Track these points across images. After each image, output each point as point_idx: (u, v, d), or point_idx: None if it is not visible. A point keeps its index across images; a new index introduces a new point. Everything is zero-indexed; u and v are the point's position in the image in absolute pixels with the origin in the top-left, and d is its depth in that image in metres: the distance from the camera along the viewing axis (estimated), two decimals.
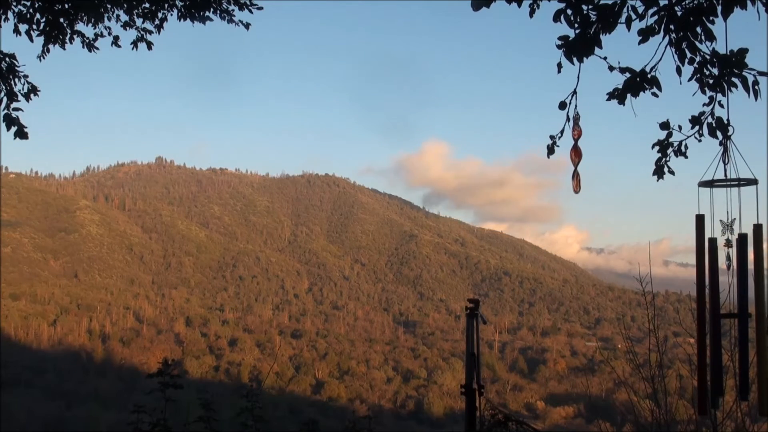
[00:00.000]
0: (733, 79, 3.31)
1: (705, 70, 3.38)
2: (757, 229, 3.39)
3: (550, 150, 3.49)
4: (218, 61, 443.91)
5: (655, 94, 3.40)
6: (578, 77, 3.36)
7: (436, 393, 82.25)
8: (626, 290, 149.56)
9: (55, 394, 66.14)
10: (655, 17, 3.30)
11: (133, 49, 6.57)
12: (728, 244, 3.44)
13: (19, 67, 5.77)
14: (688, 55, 3.34)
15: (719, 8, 3.23)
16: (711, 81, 3.39)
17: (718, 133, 3.40)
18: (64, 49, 6.26)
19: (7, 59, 5.74)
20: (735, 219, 3.41)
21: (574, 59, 3.32)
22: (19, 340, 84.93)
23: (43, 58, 6.13)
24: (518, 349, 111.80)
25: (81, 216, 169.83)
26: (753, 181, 3.38)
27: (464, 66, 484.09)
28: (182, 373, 6.82)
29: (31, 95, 5.83)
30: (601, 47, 3.33)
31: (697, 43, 3.31)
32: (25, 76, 5.78)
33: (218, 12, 6.37)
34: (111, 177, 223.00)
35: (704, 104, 3.44)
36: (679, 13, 3.29)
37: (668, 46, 3.33)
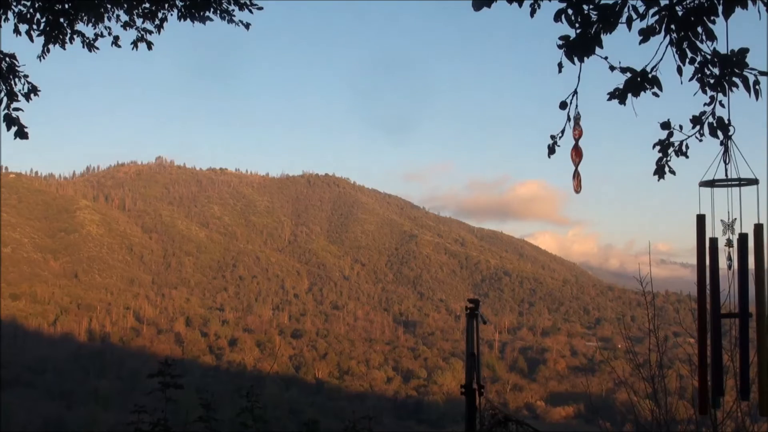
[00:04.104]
0: (734, 78, 3.31)
1: (706, 70, 3.38)
2: (758, 228, 3.39)
3: (551, 150, 3.49)
4: (218, 61, 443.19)
5: (655, 94, 3.41)
6: (579, 77, 3.36)
7: (436, 393, 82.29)
8: (626, 290, 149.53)
9: (55, 394, 66.12)
10: (656, 17, 3.30)
11: (133, 49, 6.59)
12: (729, 244, 3.44)
13: (19, 67, 5.78)
14: (689, 54, 3.34)
15: (720, 8, 3.23)
16: (712, 81, 3.39)
17: (719, 133, 3.40)
18: (64, 49, 6.27)
19: (7, 59, 5.74)
20: (736, 219, 3.41)
21: (575, 59, 3.32)
22: (19, 341, 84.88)
23: (43, 58, 6.14)
24: (518, 349, 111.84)
25: (81, 216, 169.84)
26: (754, 181, 3.38)
27: (463, 65, 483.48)
28: (182, 373, 6.81)
29: (31, 95, 5.83)
30: (601, 47, 3.34)
31: (697, 42, 3.31)
32: (25, 76, 5.79)
33: (218, 12, 6.37)
34: (111, 177, 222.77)
35: (705, 104, 3.44)
36: (680, 13, 3.29)
37: (669, 46, 3.33)
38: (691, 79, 3.41)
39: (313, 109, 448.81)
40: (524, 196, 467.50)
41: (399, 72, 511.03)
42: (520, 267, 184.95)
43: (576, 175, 3.45)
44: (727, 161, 3.37)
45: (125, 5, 6.28)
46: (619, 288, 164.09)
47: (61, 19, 6.12)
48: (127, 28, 6.47)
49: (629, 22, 3.32)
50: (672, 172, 3.64)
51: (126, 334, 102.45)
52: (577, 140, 3.41)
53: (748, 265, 3.43)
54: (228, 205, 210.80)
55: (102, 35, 6.46)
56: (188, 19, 6.31)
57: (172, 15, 6.38)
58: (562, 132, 3.43)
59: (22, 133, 5.55)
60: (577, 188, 3.48)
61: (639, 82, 3.38)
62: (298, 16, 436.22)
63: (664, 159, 3.61)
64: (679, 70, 3.36)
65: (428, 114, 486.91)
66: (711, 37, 3.27)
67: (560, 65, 3.33)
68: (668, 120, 3.58)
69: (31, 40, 6.03)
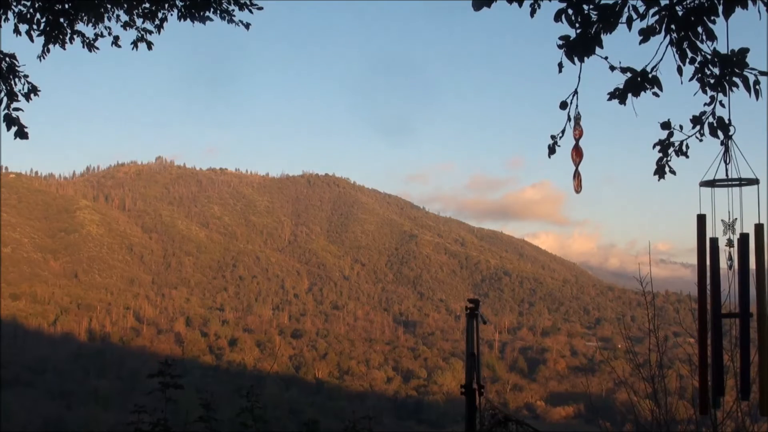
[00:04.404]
0: (734, 78, 3.31)
1: (706, 70, 3.38)
2: (759, 228, 3.39)
3: (551, 150, 3.49)
4: (218, 61, 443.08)
5: (656, 94, 3.41)
6: (579, 77, 3.36)
7: (436, 393, 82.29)
8: (626, 290, 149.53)
9: (55, 394, 66.11)
10: (656, 17, 3.30)
11: (133, 49, 6.59)
12: (730, 243, 3.44)
13: (19, 67, 5.78)
14: (689, 54, 3.34)
15: (720, 8, 3.23)
16: (712, 80, 3.39)
17: (719, 133, 3.40)
18: (64, 49, 6.27)
19: (7, 59, 5.74)
20: (736, 219, 3.41)
21: (575, 59, 3.32)
22: (19, 341, 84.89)
23: (43, 58, 6.14)
24: (518, 349, 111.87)
25: (81, 216, 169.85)
26: (754, 181, 3.38)
27: (464, 65, 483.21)
28: (182, 373, 6.88)
29: (31, 95, 5.83)
30: (602, 47, 3.34)
31: (698, 42, 3.31)
32: (25, 76, 5.79)
33: (218, 12, 6.37)
34: (111, 177, 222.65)
35: (705, 104, 3.44)
36: (680, 13, 3.29)
37: (669, 46, 3.33)
38: (691, 79, 3.41)
39: (313, 109, 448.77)
40: (525, 196, 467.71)
41: (399, 72, 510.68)
42: (520, 267, 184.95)
43: (576, 175, 3.45)
44: (728, 161, 3.37)
45: (125, 5, 6.28)
46: (619, 288, 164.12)
47: (61, 19, 6.12)
48: (127, 28, 6.47)
49: (629, 22, 3.32)
50: (672, 172, 3.63)
51: (126, 334, 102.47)
52: (577, 140, 3.41)
53: (749, 265, 3.43)
54: (228, 205, 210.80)
55: (102, 35, 6.46)
56: (188, 19, 6.31)
57: (172, 15, 6.39)
58: (563, 132, 3.43)
59: (22, 133, 5.55)
60: (578, 188, 3.48)
61: (639, 82, 3.38)
62: (297, 16, 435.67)
63: (665, 159, 3.61)
64: (679, 70, 3.36)
65: (429, 114, 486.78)
66: (711, 37, 3.27)
67: (560, 65, 3.33)
68: (668, 120, 3.58)
69: (31, 40, 6.03)
